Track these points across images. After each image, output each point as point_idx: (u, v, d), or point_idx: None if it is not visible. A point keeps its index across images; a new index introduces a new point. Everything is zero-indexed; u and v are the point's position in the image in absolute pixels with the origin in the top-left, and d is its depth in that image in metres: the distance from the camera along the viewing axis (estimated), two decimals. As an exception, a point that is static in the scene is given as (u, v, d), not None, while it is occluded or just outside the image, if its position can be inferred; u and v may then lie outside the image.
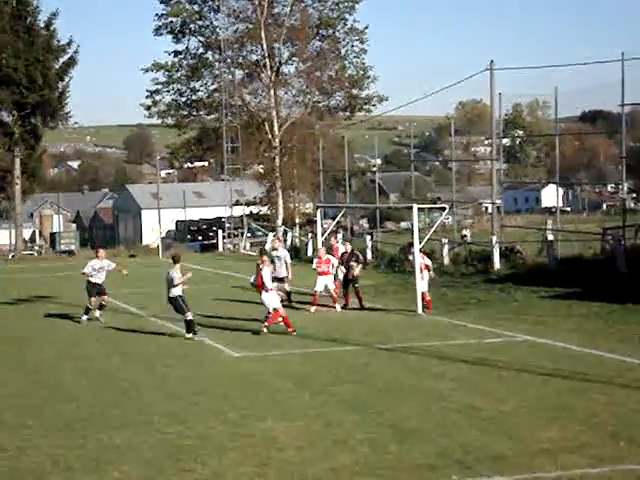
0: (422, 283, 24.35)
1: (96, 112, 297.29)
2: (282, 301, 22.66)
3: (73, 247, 62.59)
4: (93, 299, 23.90)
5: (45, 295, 30.47)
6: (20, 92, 57.35)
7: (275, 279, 23.78)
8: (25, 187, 61.00)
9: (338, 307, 25.39)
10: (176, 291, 21.00)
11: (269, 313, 21.30)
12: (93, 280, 23.93)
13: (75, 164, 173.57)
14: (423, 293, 24.38)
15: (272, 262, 24.45)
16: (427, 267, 24.79)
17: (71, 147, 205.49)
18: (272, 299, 21.32)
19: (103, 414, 13.79)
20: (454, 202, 42.87)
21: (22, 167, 59.38)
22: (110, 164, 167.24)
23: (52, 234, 79.05)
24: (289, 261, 26.23)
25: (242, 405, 14.15)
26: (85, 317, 23.78)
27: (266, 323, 21.24)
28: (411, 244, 25.32)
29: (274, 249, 26.69)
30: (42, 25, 59.55)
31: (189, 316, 21.00)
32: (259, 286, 21.36)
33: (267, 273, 21.41)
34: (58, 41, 59.84)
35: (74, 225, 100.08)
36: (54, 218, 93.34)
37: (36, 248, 74.94)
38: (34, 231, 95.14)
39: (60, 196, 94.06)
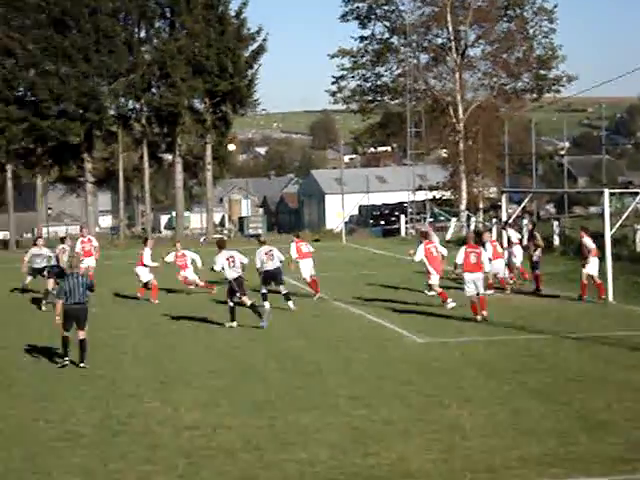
0: (592, 267, 23.58)
1: (283, 99, 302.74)
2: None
3: (260, 231, 64.20)
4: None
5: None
6: (212, 80, 59.20)
7: None
8: (216, 173, 63.01)
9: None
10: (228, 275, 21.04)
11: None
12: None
13: (262, 150, 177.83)
14: (592, 277, 23.66)
15: None
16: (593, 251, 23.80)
17: (259, 134, 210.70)
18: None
19: (290, 396, 14.09)
20: (647, 186, 41.21)
21: (213, 153, 61.34)
22: (296, 150, 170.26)
23: (240, 218, 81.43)
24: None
25: (426, 391, 14.13)
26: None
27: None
28: (583, 228, 24.86)
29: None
30: (233, 14, 61.22)
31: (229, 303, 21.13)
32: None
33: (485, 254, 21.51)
34: (248, 29, 61.42)
35: (261, 210, 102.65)
36: (242, 203, 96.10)
37: (225, 232, 77.47)
38: (223, 215, 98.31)
39: (248, 181, 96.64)
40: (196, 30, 58.99)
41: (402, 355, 17.31)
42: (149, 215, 66.46)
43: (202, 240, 59.26)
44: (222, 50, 59.14)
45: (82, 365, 16.61)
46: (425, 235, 24.44)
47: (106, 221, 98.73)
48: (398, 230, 58.77)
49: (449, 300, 22.88)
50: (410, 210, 58.63)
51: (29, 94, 59.93)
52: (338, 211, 58.84)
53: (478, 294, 21.08)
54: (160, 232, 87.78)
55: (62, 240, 28.75)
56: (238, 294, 20.84)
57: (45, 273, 27.41)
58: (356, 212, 74.74)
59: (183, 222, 64.91)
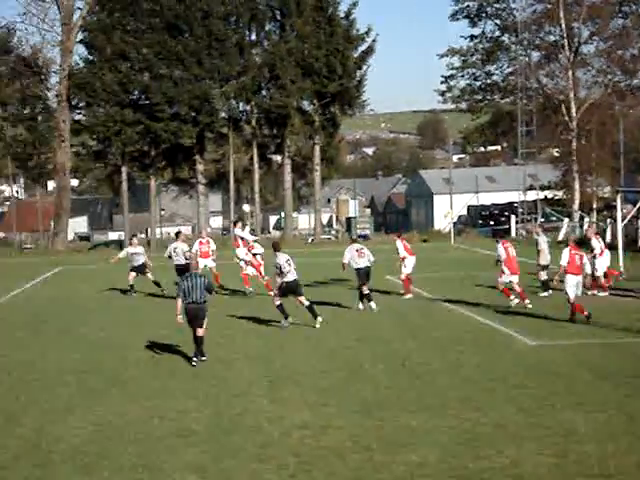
0: None
1: (391, 99, 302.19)
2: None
3: (368, 232, 64.14)
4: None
5: (338, 278, 31.17)
6: (321, 82, 59.51)
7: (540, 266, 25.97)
8: (324, 174, 63.32)
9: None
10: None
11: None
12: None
13: (370, 150, 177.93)
14: None
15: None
16: None
17: (366, 134, 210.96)
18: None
19: (399, 397, 14.03)
20: None
21: (321, 154, 61.64)
22: (404, 150, 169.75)
23: (348, 219, 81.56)
24: (546, 248, 26.29)
25: (539, 394, 13.88)
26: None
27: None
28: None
29: (537, 234, 26.96)
30: (342, 15, 61.38)
31: (277, 302, 21.09)
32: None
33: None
34: (357, 30, 61.45)
35: (369, 210, 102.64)
36: (350, 203, 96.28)
37: (333, 232, 77.80)
38: (331, 216, 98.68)
39: (356, 182, 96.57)
40: (306, 32, 59.38)
41: (513, 357, 17.05)
42: (258, 216, 67.18)
43: (310, 240, 59.68)
44: (331, 51, 59.39)
45: (194, 360, 16.88)
46: (501, 235, 25.04)
47: (217, 222, 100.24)
48: (508, 230, 57.94)
49: (512, 297, 23.18)
50: (520, 210, 57.74)
51: (143, 97, 61.28)
52: (446, 211, 58.35)
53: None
54: (269, 232, 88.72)
55: (177, 235, 29.45)
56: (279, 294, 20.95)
57: (149, 272, 28.13)
58: (465, 212, 74.07)
59: (291, 223, 65.40)
